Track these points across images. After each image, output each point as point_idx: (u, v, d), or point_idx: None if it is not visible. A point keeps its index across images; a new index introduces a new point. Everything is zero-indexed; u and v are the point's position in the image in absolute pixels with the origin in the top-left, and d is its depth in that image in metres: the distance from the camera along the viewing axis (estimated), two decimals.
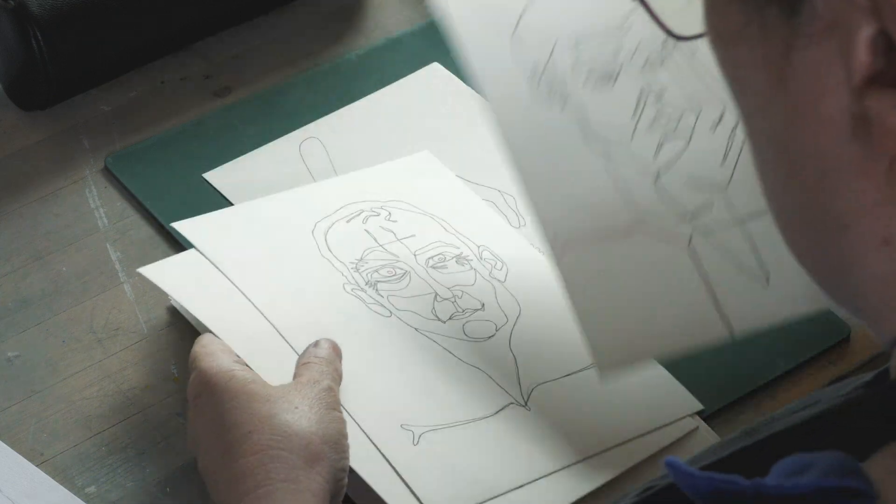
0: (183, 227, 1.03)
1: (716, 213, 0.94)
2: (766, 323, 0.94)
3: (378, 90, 1.18)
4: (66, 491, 0.93)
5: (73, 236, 1.08)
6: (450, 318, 1.00)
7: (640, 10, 0.88)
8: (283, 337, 0.97)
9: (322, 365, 0.92)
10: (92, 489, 0.94)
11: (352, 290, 1.01)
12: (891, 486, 0.55)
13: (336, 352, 0.94)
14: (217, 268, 1.00)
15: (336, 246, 1.03)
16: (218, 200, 1.10)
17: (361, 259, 1.03)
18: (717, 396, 0.99)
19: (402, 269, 1.02)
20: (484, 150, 1.11)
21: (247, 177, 1.12)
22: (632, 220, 0.93)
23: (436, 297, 1.01)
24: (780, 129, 0.57)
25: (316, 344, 0.94)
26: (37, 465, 0.95)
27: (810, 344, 1.01)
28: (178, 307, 1.01)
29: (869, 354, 1.02)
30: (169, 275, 1.00)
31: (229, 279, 1.00)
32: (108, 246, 1.07)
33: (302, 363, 0.93)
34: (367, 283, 1.01)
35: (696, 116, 0.96)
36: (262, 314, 0.98)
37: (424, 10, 1.25)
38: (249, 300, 0.99)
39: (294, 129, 1.15)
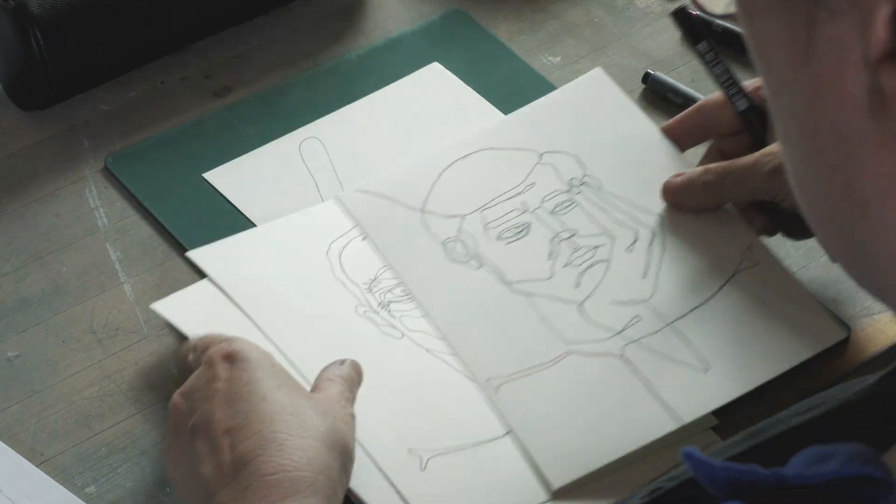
0: (197, 256, 1.03)
1: (644, 324, 0.98)
2: (713, 406, 0.95)
3: (378, 90, 1.18)
4: (66, 491, 0.93)
5: (73, 236, 1.08)
6: None
7: (539, 168, 1.05)
8: (297, 368, 0.96)
9: (346, 389, 0.91)
10: (92, 489, 0.94)
11: (364, 312, 1.00)
12: None
13: (357, 374, 0.93)
14: (230, 298, 1.00)
15: (350, 266, 1.03)
16: (218, 200, 1.10)
17: (375, 279, 1.02)
18: (715, 397, 0.99)
19: None
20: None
21: (247, 177, 1.12)
22: (561, 351, 0.97)
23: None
24: (804, 105, 0.57)
25: (342, 362, 0.93)
26: (37, 465, 0.95)
27: (810, 344, 1.01)
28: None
29: (869, 354, 1.02)
30: (182, 310, 1.00)
31: (242, 310, 0.99)
32: (108, 246, 1.07)
33: (326, 377, 0.91)
34: (379, 305, 1.01)
35: (610, 244, 1.02)
36: (275, 344, 0.98)
37: (424, 10, 1.25)
38: (262, 331, 0.98)
39: (294, 129, 1.15)
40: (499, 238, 1.03)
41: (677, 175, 1.04)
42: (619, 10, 1.26)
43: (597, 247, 1.02)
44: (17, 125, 1.15)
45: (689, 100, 1.17)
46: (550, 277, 1.01)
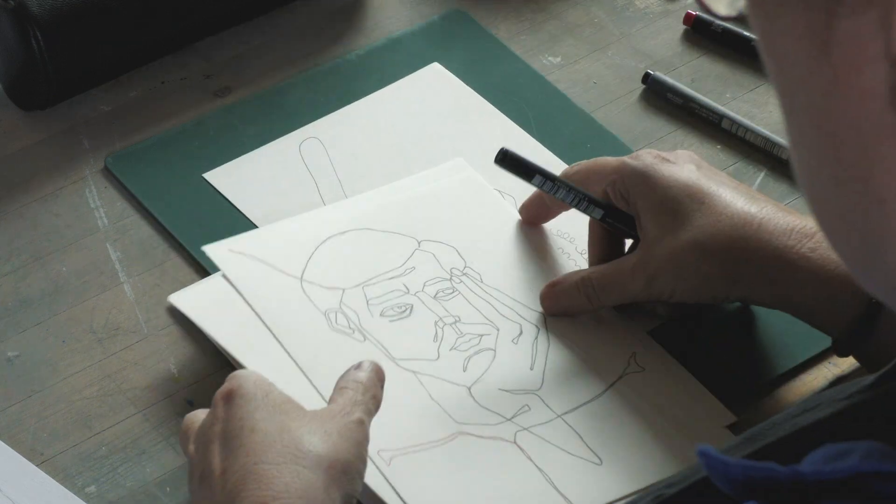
0: (212, 251, 1.03)
1: (534, 414, 0.98)
2: (610, 499, 0.94)
3: (378, 90, 1.18)
4: (66, 491, 0.93)
5: (73, 236, 1.08)
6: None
7: (419, 254, 1.05)
8: (304, 372, 0.97)
9: (358, 393, 0.89)
10: (92, 489, 0.94)
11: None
12: None
13: (378, 376, 0.90)
14: (244, 298, 1.00)
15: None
16: (218, 200, 1.10)
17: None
18: (715, 397, 0.99)
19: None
20: (483, 151, 1.11)
21: (247, 177, 1.12)
22: (452, 431, 0.96)
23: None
24: (821, 100, 0.56)
25: (358, 366, 0.90)
26: (37, 465, 0.95)
27: (810, 345, 1.01)
28: (207, 335, 1.00)
29: None
30: (198, 304, 1.00)
31: (254, 310, 1.00)
32: (108, 246, 1.07)
33: (340, 386, 0.89)
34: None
35: (495, 334, 1.01)
36: (283, 346, 0.98)
37: (424, 10, 1.25)
38: (271, 332, 0.99)
39: (294, 129, 1.15)
40: (381, 315, 1.01)
41: (554, 283, 1.02)
42: (619, 10, 1.26)
43: (482, 335, 1.01)
44: (17, 125, 1.15)
45: (688, 100, 1.17)
46: (437, 359, 1.00)
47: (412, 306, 1.02)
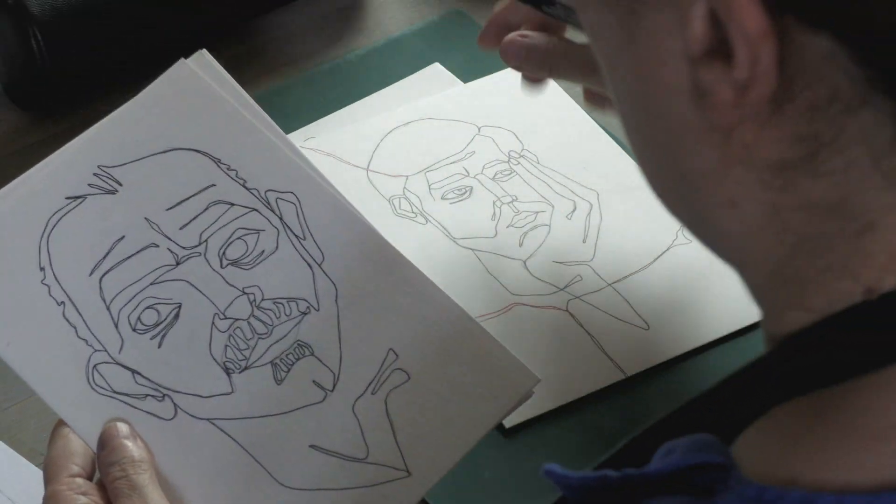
0: None
1: (585, 283, 1.03)
2: (656, 362, 0.99)
3: (378, 90, 1.18)
4: None
5: None
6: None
7: (478, 139, 1.10)
8: None
9: (136, 476, 0.76)
10: None
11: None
12: (750, 456, 0.57)
13: (127, 438, 0.78)
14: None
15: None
16: None
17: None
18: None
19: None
20: None
21: None
22: (508, 302, 1.02)
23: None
24: (633, 87, 0.58)
25: (105, 447, 0.77)
26: (37, 466, 0.95)
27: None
28: None
29: None
30: None
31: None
32: None
33: (112, 479, 0.76)
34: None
35: (550, 211, 1.08)
36: None
37: (424, 11, 1.25)
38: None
39: (294, 129, 1.15)
40: (443, 198, 1.08)
41: (524, 35, 0.99)
42: None
43: (537, 212, 1.08)
44: (17, 125, 1.15)
45: None
46: (494, 236, 1.06)
47: (472, 188, 1.09)
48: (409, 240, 1.03)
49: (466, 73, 1.19)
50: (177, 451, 0.78)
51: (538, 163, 1.11)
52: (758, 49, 0.52)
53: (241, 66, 1.20)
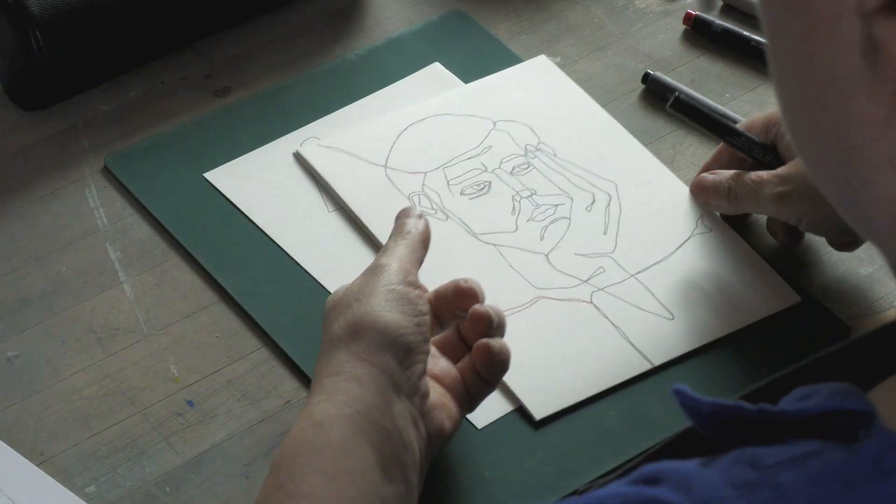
0: (304, 150, 1.11)
1: (608, 275, 1.04)
2: (681, 351, 1.00)
3: (378, 90, 1.18)
4: (66, 491, 0.93)
5: (73, 236, 1.08)
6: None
7: (494, 133, 1.12)
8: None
9: (391, 241, 0.93)
10: (92, 489, 0.94)
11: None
12: (890, 409, 0.56)
13: (424, 236, 0.94)
14: (332, 189, 1.09)
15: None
16: (218, 200, 1.10)
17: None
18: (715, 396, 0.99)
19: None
20: None
21: (247, 177, 1.12)
22: (532, 296, 1.03)
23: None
24: (800, 45, 0.58)
25: (420, 215, 0.95)
26: (37, 465, 0.95)
27: (810, 344, 1.01)
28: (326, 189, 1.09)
29: None
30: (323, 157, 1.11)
31: (342, 199, 1.08)
32: (108, 246, 1.07)
33: (396, 231, 0.94)
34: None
35: (569, 203, 1.08)
36: (369, 231, 1.06)
37: (424, 10, 1.25)
38: (358, 218, 1.07)
39: (294, 130, 1.15)
40: (462, 193, 1.09)
41: (702, 179, 1.08)
42: (619, 10, 1.26)
43: (557, 205, 1.08)
44: (16, 125, 1.15)
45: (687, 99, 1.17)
46: (515, 231, 1.07)
47: (490, 183, 1.09)
48: (433, 236, 1.03)
49: (466, 73, 1.19)
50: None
51: (555, 156, 1.11)
52: None
53: (242, 65, 1.20)
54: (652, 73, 1.19)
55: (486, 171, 1.10)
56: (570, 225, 1.07)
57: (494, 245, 1.06)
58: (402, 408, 0.85)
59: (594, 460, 0.96)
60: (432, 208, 1.08)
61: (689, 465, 0.57)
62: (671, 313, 1.02)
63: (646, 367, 0.99)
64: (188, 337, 1.02)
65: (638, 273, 1.05)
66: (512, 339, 0.94)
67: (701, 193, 1.08)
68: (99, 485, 0.94)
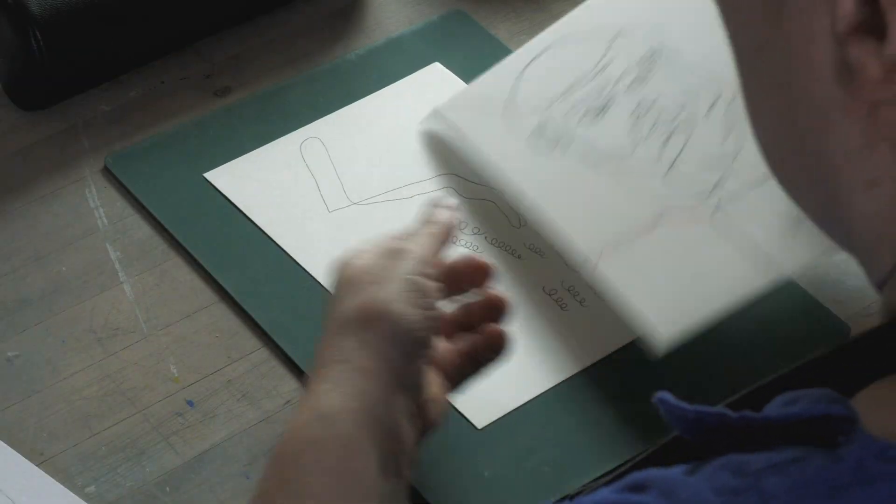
0: (429, 121, 1.12)
1: (729, 186, 1.00)
2: (808, 258, 0.98)
3: (378, 90, 1.18)
4: (66, 491, 0.93)
5: (73, 236, 1.08)
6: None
7: (613, 46, 1.07)
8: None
9: (419, 226, 0.91)
10: (92, 489, 0.94)
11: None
12: (872, 414, 0.56)
13: (449, 226, 0.91)
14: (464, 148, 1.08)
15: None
16: (218, 200, 1.10)
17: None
18: (714, 397, 0.98)
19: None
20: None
21: (247, 177, 1.12)
22: (653, 216, 1.00)
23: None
24: (776, 68, 0.58)
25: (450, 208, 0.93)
26: (37, 465, 0.95)
27: (810, 344, 1.01)
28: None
29: None
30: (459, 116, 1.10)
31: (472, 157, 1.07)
32: (108, 246, 1.07)
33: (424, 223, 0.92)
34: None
35: (691, 108, 1.03)
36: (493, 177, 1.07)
37: (424, 10, 1.25)
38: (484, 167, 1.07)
39: (294, 129, 1.15)
40: (580, 121, 1.05)
41: None
42: None
43: (675, 117, 1.04)
44: (16, 125, 1.15)
45: None
46: (633, 152, 1.04)
47: (608, 103, 1.06)
48: (551, 178, 1.02)
49: (466, 72, 1.19)
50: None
51: (677, 55, 1.07)
52: None
53: (242, 65, 1.20)
54: None
55: (604, 90, 1.07)
56: (689, 137, 1.03)
57: (613, 172, 1.03)
58: (402, 403, 0.84)
59: (593, 460, 0.96)
60: (549, 146, 1.06)
61: (675, 473, 0.57)
62: (797, 218, 0.97)
63: (776, 276, 0.97)
64: (188, 337, 1.02)
65: (759, 184, 1.00)
66: (635, 267, 0.95)
67: None
68: (99, 485, 0.94)
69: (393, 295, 0.84)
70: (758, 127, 0.61)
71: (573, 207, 1.03)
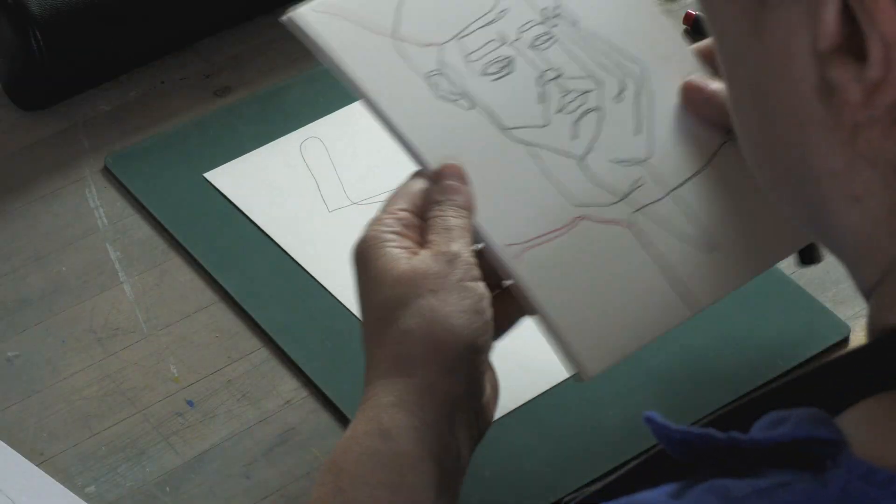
0: (297, 17, 0.97)
1: (648, 189, 0.92)
2: (722, 293, 0.91)
3: None
4: (66, 491, 0.93)
5: (73, 236, 1.08)
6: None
7: None
8: (411, 146, 0.91)
9: (452, 219, 0.85)
10: (92, 489, 0.94)
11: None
12: (860, 435, 0.56)
13: (460, 181, 0.87)
14: (340, 68, 0.95)
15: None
16: (218, 200, 1.10)
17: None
18: (715, 397, 0.99)
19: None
20: None
21: (247, 177, 1.12)
22: (573, 216, 0.91)
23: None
24: (756, 78, 0.57)
25: (438, 182, 0.86)
26: (37, 465, 0.95)
27: (810, 344, 1.01)
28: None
29: None
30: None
31: (352, 80, 0.94)
32: (108, 246, 1.07)
33: (431, 216, 0.85)
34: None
35: (599, 90, 0.94)
36: (388, 120, 0.93)
37: None
38: (374, 105, 0.93)
39: (294, 129, 1.15)
40: (483, 74, 0.93)
41: (702, 78, 0.94)
42: None
43: (586, 92, 0.94)
44: (17, 125, 1.15)
45: None
46: (545, 125, 0.93)
47: (512, 60, 0.93)
48: (455, 129, 0.89)
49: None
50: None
51: (577, 24, 0.95)
52: (893, 50, 0.51)
53: (242, 65, 1.20)
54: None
55: (505, 42, 0.94)
56: (602, 119, 0.93)
57: (526, 144, 0.92)
58: (463, 416, 0.83)
59: (594, 460, 0.95)
60: (453, 92, 0.92)
61: (662, 498, 0.57)
62: (711, 245, 0.92)
63: (689, 314, 0.90)
64: (188, 337, 1.02)
65: (676, 188, 0.93)
66: (557, 269, 0.88)
67: (693, 104, 0.94)
68: (99, 485, 0.94)
69: (455, 305, 0.82)
70: (741, 129, 0.61)
71: (484, 172, 0.90)
